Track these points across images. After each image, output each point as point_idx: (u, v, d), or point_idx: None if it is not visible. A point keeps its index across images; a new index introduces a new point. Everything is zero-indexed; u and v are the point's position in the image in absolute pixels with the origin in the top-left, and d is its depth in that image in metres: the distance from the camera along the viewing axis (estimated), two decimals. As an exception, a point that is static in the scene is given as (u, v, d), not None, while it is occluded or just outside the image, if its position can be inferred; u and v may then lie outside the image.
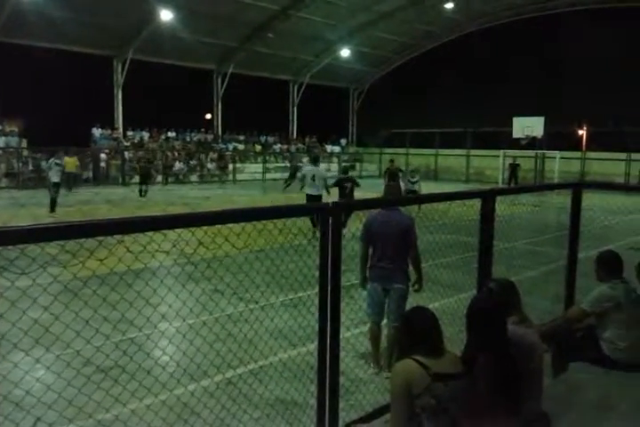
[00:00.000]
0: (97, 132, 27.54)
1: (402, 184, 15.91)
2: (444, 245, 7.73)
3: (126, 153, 26.67)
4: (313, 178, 12.01)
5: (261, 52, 30.99)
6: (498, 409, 2.75)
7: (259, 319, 4.82)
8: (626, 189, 11.49)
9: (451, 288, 6.37)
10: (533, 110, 26.37)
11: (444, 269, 6.78)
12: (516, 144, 27.74)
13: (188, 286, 5.55)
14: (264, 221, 2.93)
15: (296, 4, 27.83)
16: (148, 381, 3.70)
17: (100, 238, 2.25)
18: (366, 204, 4.39)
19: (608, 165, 27.37)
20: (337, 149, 37.40)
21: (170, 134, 30.65)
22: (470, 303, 2.94)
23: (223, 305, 5.66)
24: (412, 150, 34.34)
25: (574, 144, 29.00)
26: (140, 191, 19.96)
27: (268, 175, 30.78)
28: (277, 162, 33.12)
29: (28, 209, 15.02)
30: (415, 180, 16.80)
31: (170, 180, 27.31)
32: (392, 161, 17.84)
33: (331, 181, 12.50)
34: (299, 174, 24.01)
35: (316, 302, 3.06)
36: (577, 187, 5.17)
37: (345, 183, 12.32)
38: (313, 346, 3.80)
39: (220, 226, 2.66)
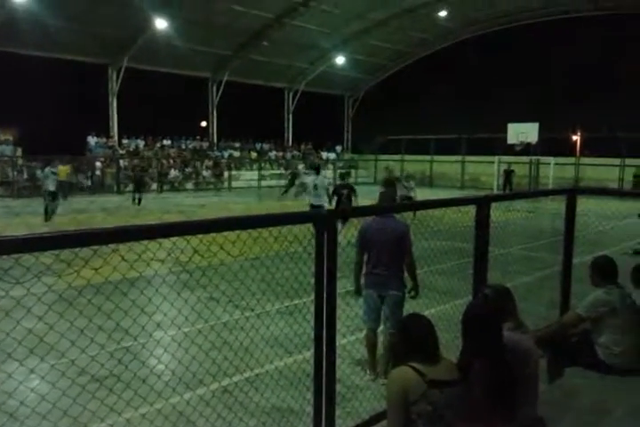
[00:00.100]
0: (92, 140, 27.54)
1: (398, 191, 15.90)
2: (439, 251, 7.74)
3: (121, 161, 26.65)
4: (315, 187, 11.96)
5: (256, 60, 31.10)
6: (494, 415, 2.75)
7: (254, 327, 4.81)
8: (619, 194, 11.56)
9: (446, 294, 6.37)
10: (528, 116, 26.50)
11: (439, 276, 6.79)
12: (511, 150, 27.85)
13: (184, 294, 5.53)
14: (259, 229, 2.94)
15: (290, 13, 27.99)
16: (143, 390, 3.68)
17: (95, 247, 2.25)
18: (361, 211, 4.40)
19: (602, 170, 27.52)
20: (332, 155, 37.48)
21: (165, 142, 30.67)
22: (466, 310, 2.94)
23: (219, 313, 5.66)
24: (407, 157, 34.46)
25: (568, 150, 29.16)
26: (134, 199, 19.90)
27: (264, 182, 30.80)
28: (273, 169, 33.16)
29: (23, 218, 14.97)
30: (411, 186, 16.81)
31: (165, 187, 27.30)
32: (389, 170, 17.81)
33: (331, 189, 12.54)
34: (297, 182, 24.16)
35: (312, 309, 3.07)
36: (571, 193, 5.20)
37: (342, 190, 12.31)
38: (309, 353, 3.79)
39: (215, 234, 2.67)
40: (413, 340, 2.73)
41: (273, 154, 34.88)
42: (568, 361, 4.17)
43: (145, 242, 2.55)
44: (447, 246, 8.47)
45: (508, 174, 27.97)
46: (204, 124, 33.80)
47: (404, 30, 31.93)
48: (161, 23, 25.08)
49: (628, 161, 26.94)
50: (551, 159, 27.03)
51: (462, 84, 31.87)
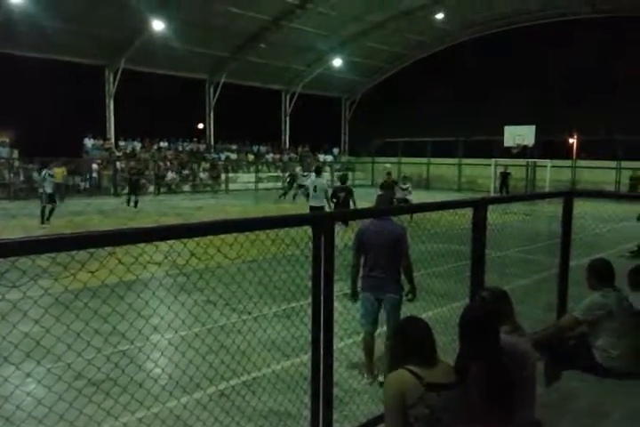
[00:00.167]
0: (89, 142, 27.48)
1: (397, 194, 15.94)
2: (436, 254, 7.74)
3: (118, 163, 26.61)
4: (315, 189, 12.04)
5: (253, 62, 31.12)
6: (491, 418, 2.74)
7: (252, 330, 4.80)
8: (616, 196, 11.58)
9: (444, 297, 6.37)
10: (524, 119, 26.60)
11: (436, 279, 6.79)
12: (508, 153, 27.93)
13: (180, 297, 5.52)
14: (256, 232, 2.93)
15: (287, 15, 28.02)
16: (140, 394, 3.67)
17: (92, 250, 2.24)
18: (358, 214, 4.40)
19: (598, 173, 27.60)
20: (329, 158, 37.49)
21: (162, 144, 30.63)
22: (463, 313, 2.94)
23: (216, 316, 5.65)
24: (404, 159, 34.51)
25: (565, 153, 29.24)
26: (128, 201, 19.81)
27: (261, 185, 30.80)
28: (270, 171, 33.16)
29: (19, 220, 14.93)
30: (406, 186, 16.86)
31: (162, 190, 27.26)
32: (389, 174, 17.95)
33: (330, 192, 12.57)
34: (295, 184, 24.23)
35: (309, 312, 3.06)
36: (568, 195, 5.21)
37: (339, 193, 12.32)
38: (306, 357, 3.79)
39: (212, 236, 2.66)
40: (410, 343, 2.73)
41: (270, 156, 34.88)
42: (565, 364, 4.17)
43: (141, 245, 2.54)
44: (444, 249, 8.48)
45: (505, 177, 28.05)
46: (201, 126, 33.77)
47: (401, 32, 31.99)
48: (158, 25, 25.07)
49: (625, 164, 27.02)
50: (548, 162, 27.10)
51: (459, 87, 31.93)
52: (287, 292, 4.86)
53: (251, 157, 33.70)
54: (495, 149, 28.52)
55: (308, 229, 3.01)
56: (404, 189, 16.67)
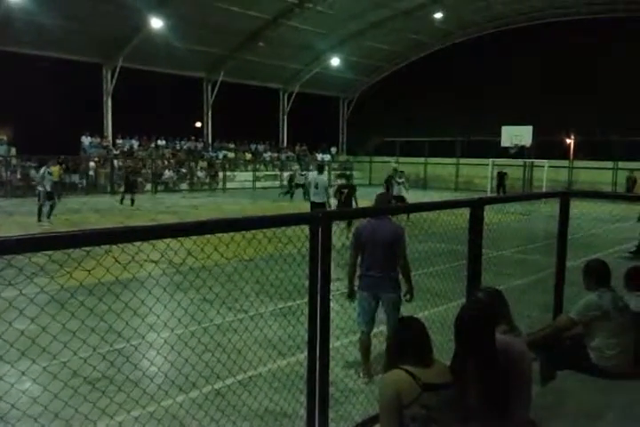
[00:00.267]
0: (86, 140, 27.41)
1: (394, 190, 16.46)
2: (433, 253, 7.76)
3: (115, 161, 26.56)
4: (316, 186, 12.47)
5: (251, 61, 31.09)
6: (487, 418, 2.75)
7: (248, 329, 4.80)
8: (612, 197, 11.60)
9: (440, 297, 6.38)
10: (522, 119, 26.64)
11: (433, 278, 6.79)
12: (505, 153, 27.98)
13: (177, 295, 5.51)
14: (253, 231, 2.93)
15: (286, 14, 28.00)
16: (135, 392, 3.67)
17: (88, 249, 2.24)
18: (355, 213, 4.40)
19: (595, 173, 27.66)
20: (327, 157, 37.49)
21: (160, 142, 30.59)
22: (458, 313, 2.94)
23: (212, 315, 5.64)
24: (401, 159, 34.50)
25: (562, 153, 29.30)
26: (122, 200, 19.78)
27: (258, 184, 30.79)
28: (267, 170, 33.14)
29: (16, 218, 14.90)
30: (401, 180, 17.25)
31: (159, 188, 27.22)
32: (395, 170, 18.53)
33: (332, 190, 13.04)
34: (293, 183, 24.40)
35: (306, 311, 3.06)
36: (565, 195, 5.22)
37: (343, 189, 12.75)
38: (302, 356, 3.79)
39: (209, 235, 2.65)
40: (406, 343, 2.73)
41: (268, 155, 34.86)
42: (561, 364, 4.18)
43: (138, 243, 2.54)
44: (441, 249, 8.48)
45: (501, 177, 28.10)
46: (198, 124, 33.74)
47: (399, 32, 31.99)
48: (156, 23, 25.03)
49: (621, 164, 27.09)
50: (545, 162, 27.15)
51: (457, 87, 31.97)
52: (284, 291, 4.87)
53: (248, 155, 33.68)
54: (493, 149, 28.56)
55: (305, 229, 3.00)
56: (399, 184, 17.16)
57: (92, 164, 26.21)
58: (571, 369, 4.10)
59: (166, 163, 29.06)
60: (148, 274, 3.64)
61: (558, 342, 4.28)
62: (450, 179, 33.04)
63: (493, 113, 28.76)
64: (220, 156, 32.20)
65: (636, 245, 11.09)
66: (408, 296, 5.04)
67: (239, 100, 32.39)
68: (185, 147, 31.69)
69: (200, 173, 29.85)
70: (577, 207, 5.74)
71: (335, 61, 33.56)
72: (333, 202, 12.64)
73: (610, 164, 27.53)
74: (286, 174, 29.17)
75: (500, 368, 2.78)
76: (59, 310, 3.36)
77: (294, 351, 4.98)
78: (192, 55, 28.40)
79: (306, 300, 3.06)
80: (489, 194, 26.03)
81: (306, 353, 3.10)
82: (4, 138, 24.59)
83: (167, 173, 28.38)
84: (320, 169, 13.45)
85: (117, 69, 27.58)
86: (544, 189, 24.86)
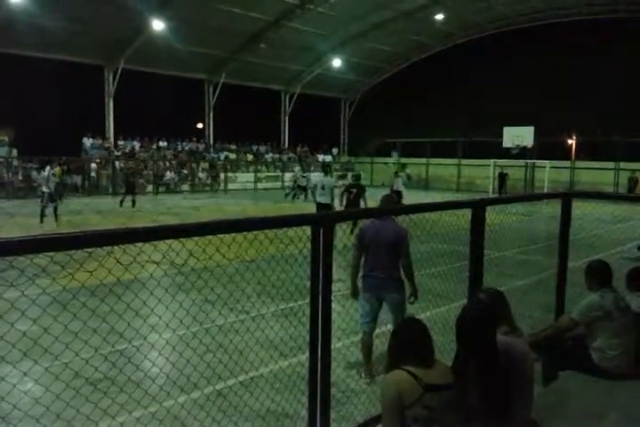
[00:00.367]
0: (88, 141, 27.44)
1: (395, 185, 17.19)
2: (435, 254, 7.75)
3: (117, 163, 26.58)
4: (323, 187, 12.66)
5: (253, 62, 31.12)
6: (488, 419, 2.75)
7: (249, 330, 4.80)
8: (614, 198, 11.59)
9: (442, 297, 6.37)
10: (524, 120, 26.63)
11: (434, 279, 6.79)
12: (507, 154, 27.96)
13: (179, 296, 5.51)
14: (255, 232, 2.93)
15: (287, 15, 28.02)
16: (137, 393, 3.67)
17: (90, 250, 2.24)
18: (358, 214, 4.40)
19: (597, 174, 27.63)
20: (328, 158, 37.49)
21: (161, 144, 30.61)
22: (460, 313, 2.94)
23: (214, 316, 5.64)
24: (403, 160, 34.52)
25: (564, 154, 29.28)
26: (122, 202, 19.80)
27: (260, 185, 30.80)
28: (269, 171, 33.15)
29: (18, 219, 14.92)
30: (401, 174, 18.05)
31: (161, 189, 27.24)
32: (404, 166, 19.61)
33: (337, 191, 13.26)
34: (295, 184, 24.49)
35: (307, 312, 3.06)
36: (566, 196, 5.21)
37: (352, 188, 13.08)
38: (304, 357, 3.79)
39: (210, 236, 2.66)
40: (408, 344, 2.73)
41: (269, 156, 34.88)
42: (563, 365, 4.18)
43: (139, 244, 2.54)
44: (443, 249, 8.48)
45: (503, 178, 28.09)
46: (200, 125, 33.77)
47: (400, 33, 32.00)
48: (158, 25, 25.06)
49: (623, 164, 27.06)
50: (547, 163, 27.13)
51: (459, 88, 31.97)
52: (285, 292, 4.87)
53: (250, 156, 33.69)
54: (494, 149, 28.54)
55: (307, 229, 3.00)
56: (398, 176, 18.32)
57: (93, 165, 26.23)
58: (573, 370, 4.10)
59: (168, 164, 29.08)
60: (150, 275, 3.64)
61: (560, 343, 4.27)
62: (451, 180, 33.03)
63: (495, 114, 28.74)
64: (222, 157, 32.22)
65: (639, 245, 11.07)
66: (412, 299, 5.03)
67: (241, 101, 32.43)
68: (186, 148, 31.72)
69: (201, 175, 29.87)
70: (579, 208, 5.73)
71: (337, 63, 33.57)
72: (337, 203, 12.80)
73: (611, 164, 27.50)
74: (289, 176, 29.21)
75: (502, 369, 2.78)
76: (60, 311, 3.37)
77: (296, 352, 4.98)
78: (193, 57, 28.43)
79: (307, 301, 3.06)
80: (490, 195, 26.01)
81: (307, 354, 3.10)
82: (6, 139, 24.64)
83: (168, 175, 28.41)
84: (325, 171, 13.81)
85: (119, 71, 27.62)
86: (545, 190, 24.82)
